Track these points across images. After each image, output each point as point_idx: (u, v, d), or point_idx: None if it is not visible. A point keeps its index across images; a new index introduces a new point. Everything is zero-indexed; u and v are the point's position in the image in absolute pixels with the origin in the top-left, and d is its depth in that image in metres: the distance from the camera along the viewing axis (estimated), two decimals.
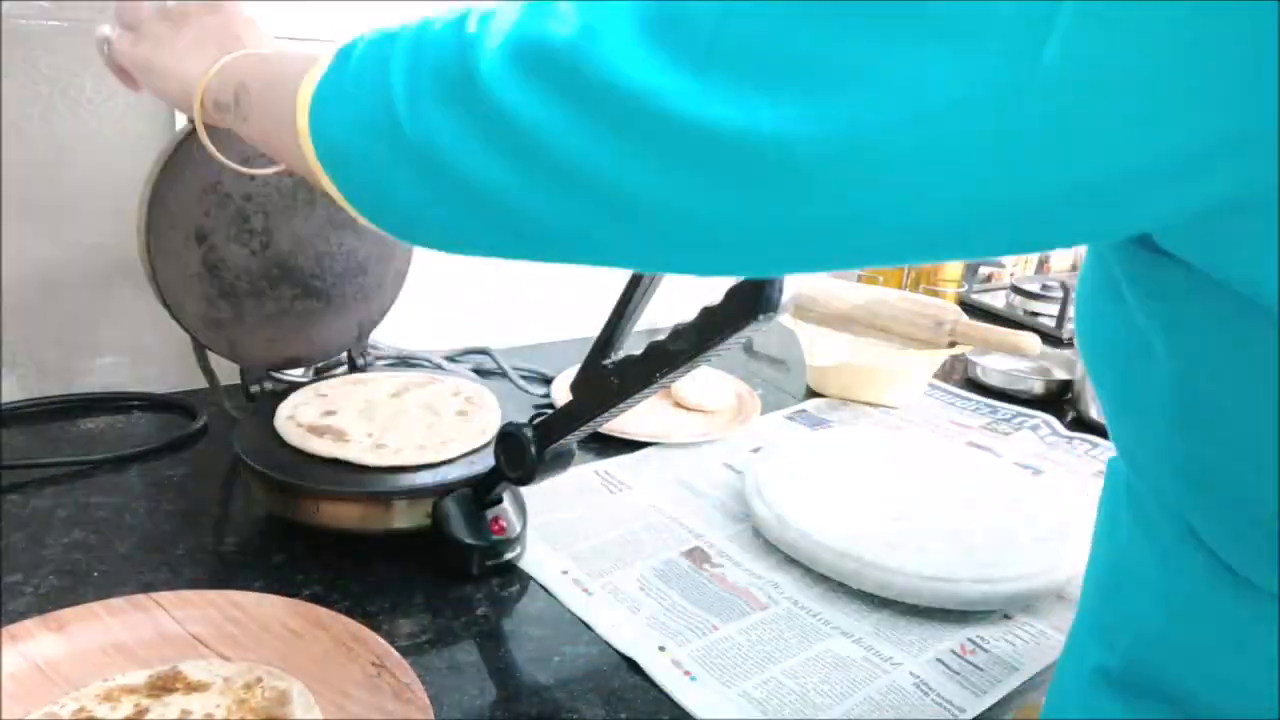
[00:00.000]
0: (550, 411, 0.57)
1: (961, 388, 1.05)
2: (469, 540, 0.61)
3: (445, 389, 0.73)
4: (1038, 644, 0.60)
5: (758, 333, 0.47)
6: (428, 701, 0.46)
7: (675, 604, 0.61)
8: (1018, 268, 1.61)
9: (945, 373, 1.08)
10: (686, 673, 0.54)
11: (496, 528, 0.62)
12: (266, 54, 0.50)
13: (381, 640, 0.50)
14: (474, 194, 0.35)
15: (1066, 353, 1.10)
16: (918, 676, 0.56)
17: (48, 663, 0.47)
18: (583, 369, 0.54)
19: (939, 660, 0.58)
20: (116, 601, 0.51)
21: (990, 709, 0.54)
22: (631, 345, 0.52)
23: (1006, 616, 0.63)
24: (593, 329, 0.53)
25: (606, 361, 0.53)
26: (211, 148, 0.54)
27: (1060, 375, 1.07)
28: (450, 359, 0.96)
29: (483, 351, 0.99)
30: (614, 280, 0.53)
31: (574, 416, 0.55)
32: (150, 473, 0.72)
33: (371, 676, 0.48)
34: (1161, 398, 0.35)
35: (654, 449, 0.83)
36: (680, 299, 0.61)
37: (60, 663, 0.48)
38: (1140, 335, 0.35)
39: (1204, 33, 0.24)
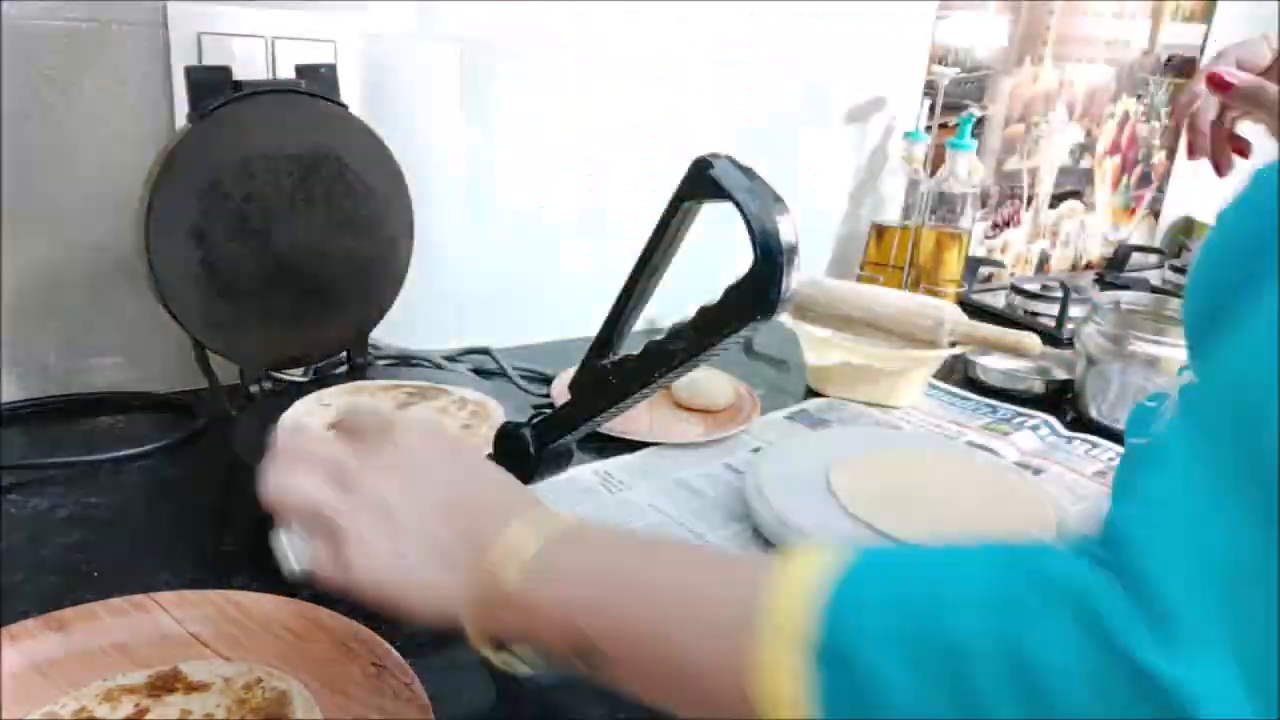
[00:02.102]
0: (550, 411, 0.57)
1: (961, 388, 1.05)
2: None
3: (451, 401, 0.73)
4: None
5: (757, 333, 0.46)
6: (428, 701, 0.46)
7: None
8: (1017, 268, 1.61)
9: (945, 373, 1.08)
10: None
11: None
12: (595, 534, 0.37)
13: (381, 640, 0.50)
14: None
15: (1066, 353, 1.10)
16: None
17: (48, 663, 0.47)
18: (582, 369, 0.54)
19: None
20: (116, 601, 0.51)
21: None
22: (631, 345, 0.52)
23: None
24: (593, 329, 0.53)
25: (606, 361, 0.53)
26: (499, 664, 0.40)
27: (1060, 375, 1.07)
28: (450, 359, 0.96)
29: (483, 351, 0.99)
30: (613, 280, 0.53)
31: (573, 417, 0.55)
32: (150, 473, 0.72)
33: (371, 676, 0.48)
34: None
35: (654, 449, 0.83)
36: (680, 299, 0.61)
37: (60, 663, 0.48)
38: None
39: None
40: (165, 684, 0.46)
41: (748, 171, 0.46)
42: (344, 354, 0.82)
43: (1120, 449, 0.91)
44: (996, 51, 1.41)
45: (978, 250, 1.49)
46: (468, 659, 0.54)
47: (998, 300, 1.40)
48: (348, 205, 0.79)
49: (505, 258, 1.04)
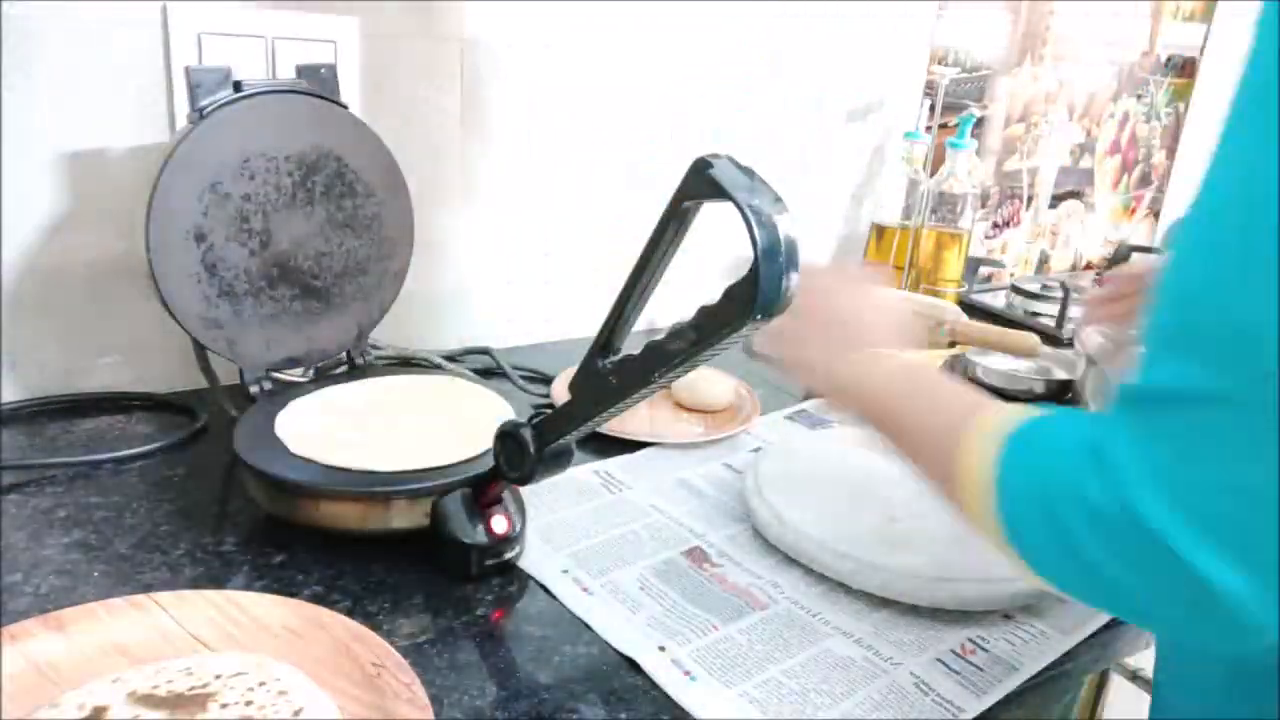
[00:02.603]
0: (550, 411, 0.57)
1: None
2: (468, 540, 0.61)
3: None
4: (1038, 644, 0.60)
5: (757, 332, 0.47)
6: (428, 701, 0.46)
7: (675, 604, 0.61)
8: (1017, 268, 1.61)
9: (945, 373, 1.08)
10: (686, 673, 0.54)
11: (496, 527, 0.62)
12: (892, 366, 0.60)
13: (381, 640, 0.50)
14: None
15: (1067, 353, 1.09)
16: (918, 676, 0.56)
17: (48, 663, 0.47)
18: (582, 369, 0.54)
19: (939, 660, 0.58)
20: (116, 601, 0.51)
21: (990, 709, 0.54)
22: (631, 345, 0.52)
23: (1006, 616, 0.63)
24: (593, 329, 0.53)
25: (605, 361, 0.53)
26: None
27: (1060, 375, 1.07)
28: (450, 359, 0.96)
29: (483, 351, 0.99)
30: (612, 280, 0.53)
31: (573, 416, 0.55)
32: (150, 473, 0.72)
33: (371, 676, 0.48)
34: None
35: (654, 449, 0.83)
36: (680, 299, 0.61)
37: (60, 663, 0.48)
38: None
39: None
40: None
41: (748, 171, 0.46)
42: (344, 354, 0.82)
43: None
44: (996, 52, 1.41)
45: (978, 250, 1.49)
46: (468, 659, 0.54)
47: (998, 300, 1.40)
48: (348, 205, 0.79)
49: (505, 258, 1.04)
